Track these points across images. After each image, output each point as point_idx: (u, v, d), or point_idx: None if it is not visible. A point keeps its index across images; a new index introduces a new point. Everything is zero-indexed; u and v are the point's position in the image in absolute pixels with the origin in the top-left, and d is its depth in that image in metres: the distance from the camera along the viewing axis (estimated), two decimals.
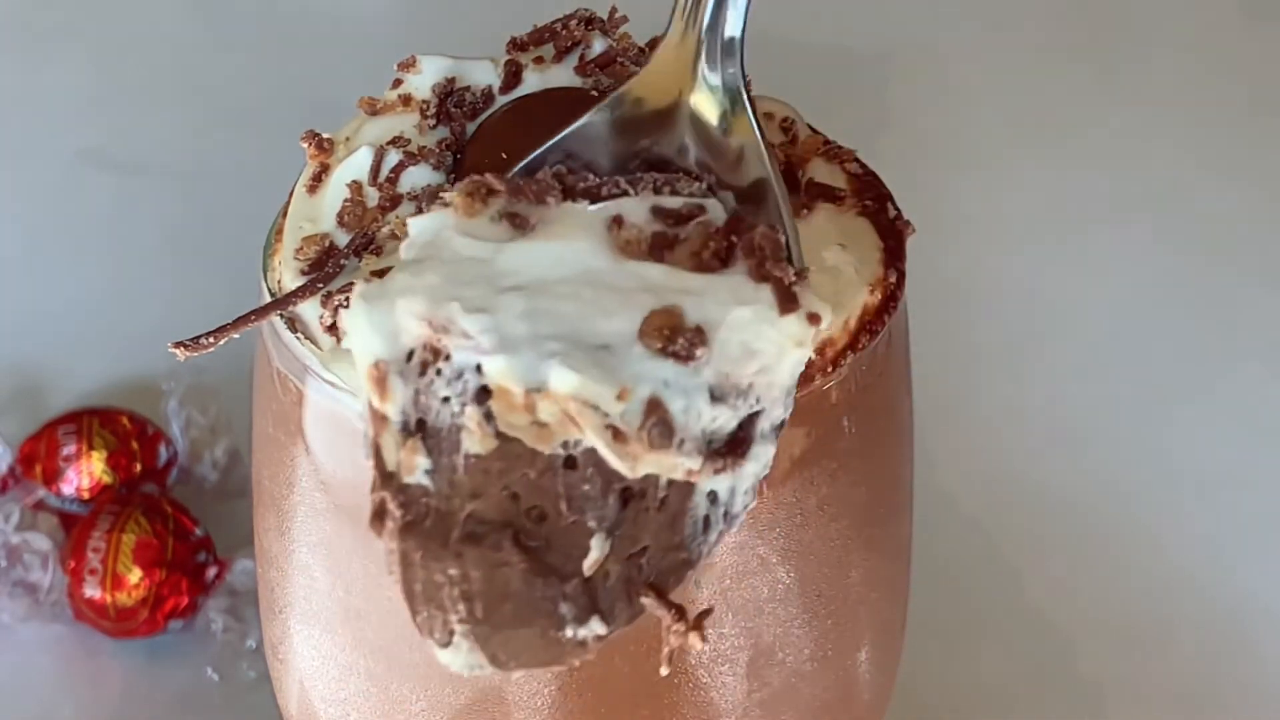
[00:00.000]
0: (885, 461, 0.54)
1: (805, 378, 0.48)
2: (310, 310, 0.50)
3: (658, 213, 0.49)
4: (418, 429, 0.47)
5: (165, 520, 0.71)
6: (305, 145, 0.53)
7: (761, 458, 0.47)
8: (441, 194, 0.49)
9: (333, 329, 0.50)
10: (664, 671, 0.49)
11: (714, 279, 0.48)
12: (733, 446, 0.47)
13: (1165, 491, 0.77)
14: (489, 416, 0.46)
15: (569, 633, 0.47)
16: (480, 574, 0.46)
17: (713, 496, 0.47)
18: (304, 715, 0.56)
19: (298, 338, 0.50)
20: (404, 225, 0.51)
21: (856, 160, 0.54)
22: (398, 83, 0.54)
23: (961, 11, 0.94)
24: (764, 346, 0.47)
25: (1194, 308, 0.83)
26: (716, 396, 0.47)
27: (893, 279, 0.51)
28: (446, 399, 0.47)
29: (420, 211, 0.51)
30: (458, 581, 0.47)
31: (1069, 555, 0.75)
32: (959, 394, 0.79)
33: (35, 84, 0.91)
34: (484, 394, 0.46)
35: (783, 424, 0.48)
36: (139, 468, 0.74)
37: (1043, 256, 0.85)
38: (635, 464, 0.46)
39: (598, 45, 0.55)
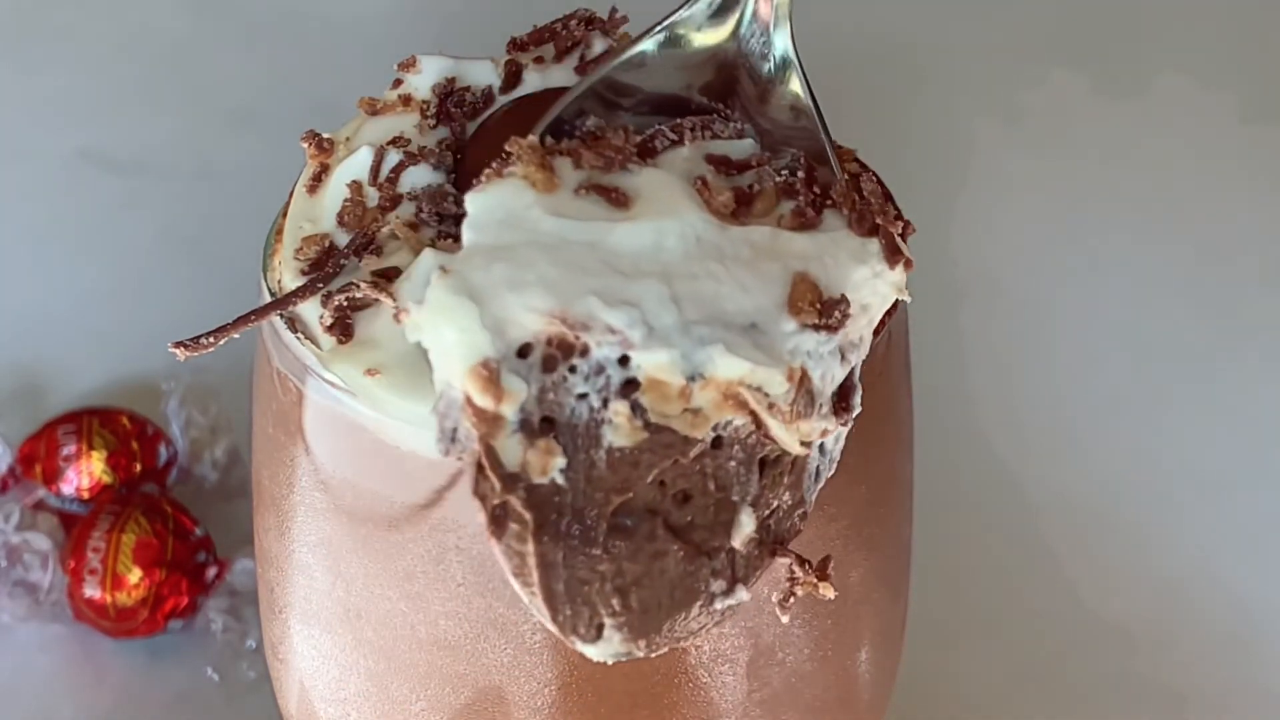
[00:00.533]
0: (885, 461, 0.54)
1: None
2: (310, 310, 0.50)
3: (714, 162, 0.49)
4: (545, 427, 0.46)
5: (165, 520, 0.71)
6: (305, 145, 0.53)
7: (859, 400, 0.48)
8: (498, 168, 0.48)
9: (333, 329, 0.50)
10: (785, 619, 0.49)
11: (818, 238, 0.47)
12: (844, 397, 0.47)
13: (1165, 491, 0.77)
14: (636, 408, 0.46)
15: (718, 605, 0.47)
16: (637, 566, 0.46)
17: (821, 448, 0.48)
18: (304, 715, 0.56)
19: (298, 338, 0.50)
20: (404, 225, 0.51)
21: (856, 160, 0.54)
22: (398, 83, 0.54)
23: (962, 11, 0.94)
24: (874, 300, 0.47)
25: (1194, 308, 0.83)
26: (843, 356, 0.47)
27: None
28: (583, 395, 0.45)
29: (420, 211, 0.51)
30: (611, 576, 0.45)
31: (1069, 555, 0.74)
32: (959, 394, 0.79)
33: (35, 84, 0.91)
34: (628, 386, 0.46)
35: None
36: (139, 468, 0.74)
37: (1042, 256, 0.85)
38: (788, 423, 0.46)
39: (598, 45, 0.55)
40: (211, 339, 0.50)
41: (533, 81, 0.54)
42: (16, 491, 0.73)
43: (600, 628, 0.46)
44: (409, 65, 0.54)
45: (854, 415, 0.47)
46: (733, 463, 0.46)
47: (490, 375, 0.45)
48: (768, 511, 0.47)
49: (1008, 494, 0.76)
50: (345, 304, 0.49)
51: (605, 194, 0.47)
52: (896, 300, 0.51)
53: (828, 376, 0.47)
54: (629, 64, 0.51)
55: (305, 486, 0.52)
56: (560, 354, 0.45)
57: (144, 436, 0.74)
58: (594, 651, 0.46)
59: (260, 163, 0.77)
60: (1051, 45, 0.93)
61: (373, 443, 0.50)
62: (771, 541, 0.47)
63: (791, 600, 0.47)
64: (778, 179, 0.49)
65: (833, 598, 0.48)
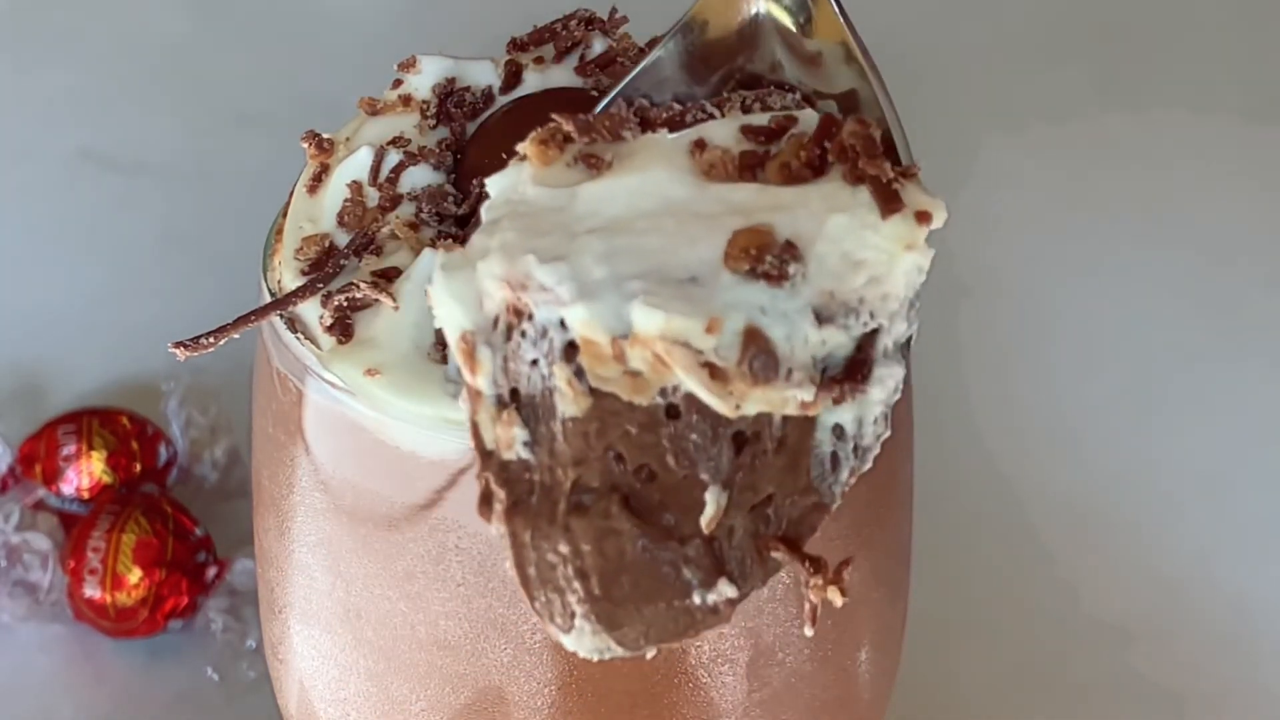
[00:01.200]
0: (885, 461, 0.54)
1: None
2: (310, 310, 0.50)
3: (747, 132, 0.46)
4: (512, 399, 0.44)
5: (165, 520, 0.71)
6: (305, 145, 0.53)
7: (888, 380, 0.44)
8: (517, 149, 0.46)
9: (333, 329, 0.50)
10: (809, 632, 0.45)
11: (806, 189, 0.44)
12: (851, 371, 0.43)
13: (1165, 491, 0.77)
14: (580, 374, 0.43)
15: (697, 599, 0.43)
16: (591, 546, 0.43)
17: (839, 431, 0.44)
18: (304, 715, 0.56)
19: (298, 338, 0.50)
20: (404, 225, 0.51)
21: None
22: (398, 83, 0.54)
23: (961, 11, 0.94)
24: (869, 255, 0.43)
25: (1194, 308, 0.83)
26: (823, 317, 0.43)
27: None
28: (535, 361, 0.43)
29: (420, 211, 0.51)
30: (570, 558, 0.43)
31: (1069, 555, 0.74)
32: (959, 394, 0.79)
33: (35, 84, 0.91)
34: (572, 350, 0.43)
35: (909, 341, 0.44)
36: (139, 468, 0.74)
37: (1042, 256, 0.85)
38: (740, 402, 0.42)
39: (598, 45, 0.55)
40: (211, 339, 0.50)
41: (533, 81, 0.54)
42: (16, 491, 0.73)
43: (573, 615, 0.44)
44: (409, 65, 0.54)
45: (862, 393, 0.43)
46: (694, 435, 0.43)
47: (468, 348, 0.44)
48: (759, 498, 0.44)
49: (1007, 494, 0.76)
50: (345, 304, 0.49)
51: (588, 161, 0.46)
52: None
53: (797, 338, 0.43)
54: (693, 52, 0.49)
55: (305, 486, 0.52)
56: (515, 320, 0.44)
57: (144, 436, 0.74)
58: (571, 643, 0.44)
59: (260, 163, 0.77)
60: (1051, 45, 0.93)
61: (373, 443, 0.50)
62: (770, 535, 0.44)
63: (811, 608, 0.44)
64: (803, 141, 0.45)
65: (840, 605, 0.44)
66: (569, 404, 0.43)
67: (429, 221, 0.51)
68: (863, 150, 0.44)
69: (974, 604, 0.73)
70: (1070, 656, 0.72)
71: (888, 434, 0.45)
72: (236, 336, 0.50)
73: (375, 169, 0.52)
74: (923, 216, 0.44)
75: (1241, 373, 0.81)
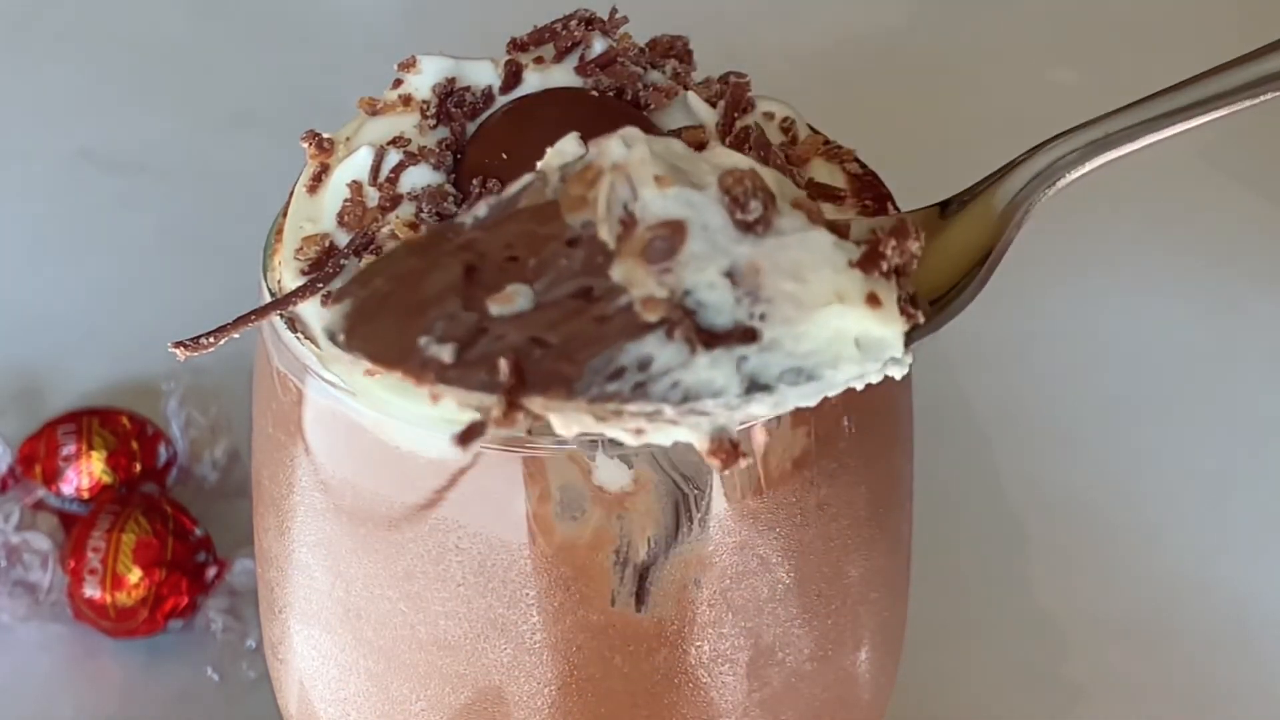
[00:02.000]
0: (885, 461, 0.54)
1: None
2: (310, 310, 0.50)
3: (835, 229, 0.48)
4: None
5: (165, 520, 0.71)
6: (305, 145, 0.53)
7: (711, 381, 0.45)
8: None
9: None
10: (460, 449, 0.46)
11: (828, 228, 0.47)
12: (699, 329, 0.45)
13: (1165, 491, 0.77)
14: (556, 190, 0.47)
15: (423, 342, 0.45)
16: (419, 262, 0.46)
17: (645, 362, 0.45)
18: (304, 715, 0.56)
19: (298, 338, 0.50)
20: (404, 226, 0.51)
21: (856, 160, 0.54)
22: (398, 83, 0.54)
23: (961, 11, 0.94)
24: (812, 280, 0.45)
25: (1194, 308, 0.83)
26: (732, 275, 0.45)
27: None
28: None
29: (420, 211, 0.51)
30: (392, 262, 0.47)
31: (1069, 555, 0.75)
32: (959, 394, 0.79)
33: (35, 84, 0.91)
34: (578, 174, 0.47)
35: (756, 398, 0.45)
36: (139, 468, 0.74)
37: (1041, 256, 0.85)
38: (616, 252, 0.45)
39: (598, 45, 0.55)
40: (211, 339, 0.50)
41: (533, 81, 0.54)
42: (16, 491, 0.73)
43: (348, 298, 0.46)
44: (409, 65, 0.54)
45: (690, 349, 0.45)
46: (564, 261, 0.46)
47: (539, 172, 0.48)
48: (544, 334, 0.45)
49: (1007, 494, 0.76)
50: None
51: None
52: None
53: (699, 261, 0.45)
54: None
55: (305, 486, 0.52)
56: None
57: (144, 436, 0.74)
58: (323, 314, 0.48)
59: (260, 163, 0.77)
60: (1051, 44, 0.93)
61: (373, 443, 0.50)
62: (517, 360, 0.45)
63: (463, 429, 0.45)
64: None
65: (471, 448, 0.45)
66: (530, 197, 0.47)
67: (429, 221, 0.51)
68: (894, 233, 0.46)
69: (974, 604, 0.73)
70: (1069, 656, 0.72)
71: (670, 417, 0.45)
72: (236, 336, 0.50)
73: (375, 169, 0.52)
74: (873, 299, 0.45)
75: (1241, 373, 0.81)
